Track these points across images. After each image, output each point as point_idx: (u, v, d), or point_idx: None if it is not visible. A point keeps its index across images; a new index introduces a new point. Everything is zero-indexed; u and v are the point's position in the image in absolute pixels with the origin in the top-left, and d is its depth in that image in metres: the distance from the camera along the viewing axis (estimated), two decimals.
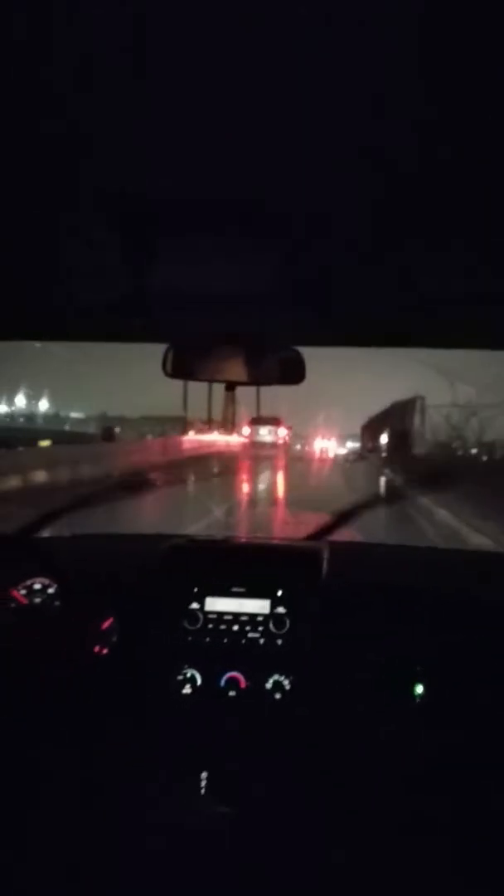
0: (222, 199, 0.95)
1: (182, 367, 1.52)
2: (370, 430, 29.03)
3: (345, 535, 2.00)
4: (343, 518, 1.92)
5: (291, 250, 1.13)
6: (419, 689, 1.60)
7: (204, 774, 1.54)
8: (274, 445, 21.04)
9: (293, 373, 1.50)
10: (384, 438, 24.96)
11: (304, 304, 1.39)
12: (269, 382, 1.56)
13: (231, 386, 1.56)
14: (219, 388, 1.64)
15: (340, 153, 0.82)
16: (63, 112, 0.74)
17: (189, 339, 1.52)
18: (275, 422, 22.12)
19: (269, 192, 0.93)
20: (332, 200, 0.95)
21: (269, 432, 21.87)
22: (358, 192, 0.92)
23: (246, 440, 22.11)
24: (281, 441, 21.59)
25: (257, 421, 22.56)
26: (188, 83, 0.69)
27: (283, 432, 21.93)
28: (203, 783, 1.54)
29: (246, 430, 22.52)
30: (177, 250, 1.16)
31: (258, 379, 1.55)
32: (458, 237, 1.07)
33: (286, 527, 8.48)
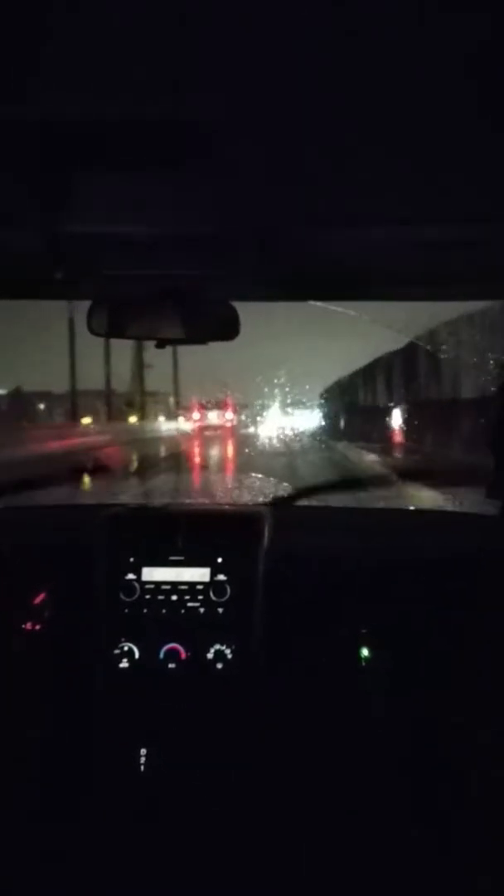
0: (146, 123, 0.82)
1: (106, 324, 1.43)
2: (349, 396, 17.28)
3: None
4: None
5: (227, 188, 1.02)
6: (365, 652, 1.57)
7: (143, 751, 1.48)
8: (222, 427, 23.02)
9: (227, 328, 1.43)
10: (398, 419, 12.55)
11: (242, 251, 1.29)
12: (202, 340, 1.48)
13: (161, 344, 1.48)
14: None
15: (285, 66, 0.72)
16: None
17: (114, 293, 1.43)
18: (223, 405, 24.07)
19: (200, 115, 0.81)
20: (275, 127, 0.84)
21: (217, 416, 23.83)
22: (307, 110, 0.81)
23: (196, 424, 23.13)
24: (228, 424, 23.28)
25: (206, 406, 24.06)
26: None
27: (229, 415, 23.67)
28: (143, 760, 1.48)
29: (196, 414, 24.23)
30: (95, 189, 1.04)
31: (191, 336, 1.46)
32: (413, 179, 0.99)
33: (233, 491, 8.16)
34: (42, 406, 25.38)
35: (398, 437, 11.63)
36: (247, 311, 1.46)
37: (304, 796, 1.50)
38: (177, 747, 1.49)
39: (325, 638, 1.57)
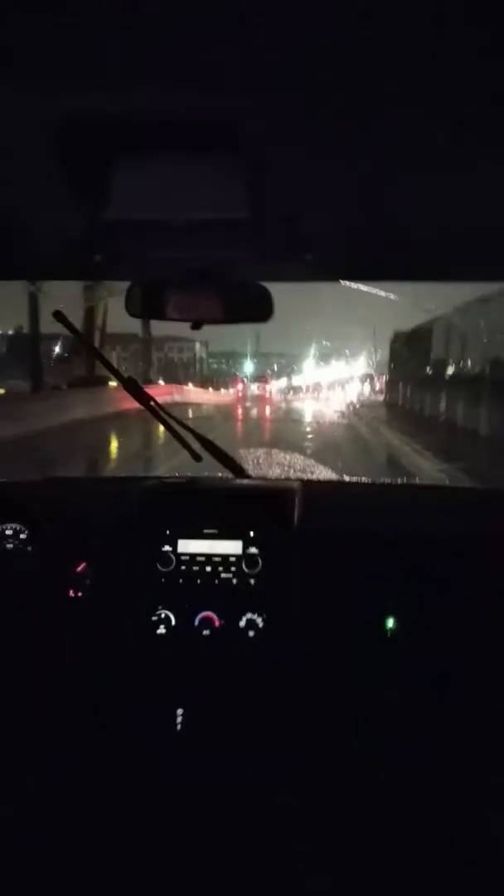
0: (180, 119, 0.87)
1: (145, 306, 1.49)
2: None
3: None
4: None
5: (259, 175, 1.04)
6: (390, 623, 1.62)
7: (180, 711, 1.57)
8: (262, 398, 28.83)
9: (262, 310, 1.47)
10: None
11: (275, 235, 1.32)
12: (236, 320, 1.52)
13: (197, 325, 1.52)
14: None
15: (313, 63, 0.72)
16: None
17: (152, 276, 1.47)
18: (263, 379, 32.35)
19: (231, 109, 0.85)
20: (303, 115, 0.85)
21: (258, 387, 31.03)
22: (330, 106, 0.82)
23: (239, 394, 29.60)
24: (267, 394, 29.98)
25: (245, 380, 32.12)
26: None
27: (268, 387, 30.90)
28: (179, 719, 1.57)
29: (240, 385, 31.21)
30: (132, 178, 1.09)
31: (226, 317, 1.50)
32: (444, 165, 0.98)
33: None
34: (57, 349, 21.12)
35: None
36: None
37: (329, 763, 1.57)
38: (210, 709, 1.58)
39: (351, 608, 1.62)
